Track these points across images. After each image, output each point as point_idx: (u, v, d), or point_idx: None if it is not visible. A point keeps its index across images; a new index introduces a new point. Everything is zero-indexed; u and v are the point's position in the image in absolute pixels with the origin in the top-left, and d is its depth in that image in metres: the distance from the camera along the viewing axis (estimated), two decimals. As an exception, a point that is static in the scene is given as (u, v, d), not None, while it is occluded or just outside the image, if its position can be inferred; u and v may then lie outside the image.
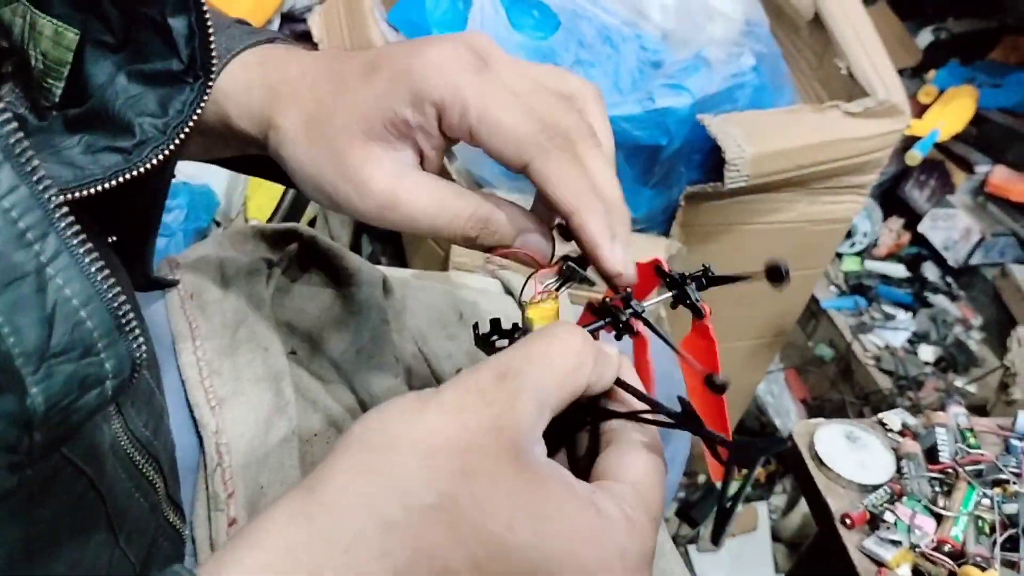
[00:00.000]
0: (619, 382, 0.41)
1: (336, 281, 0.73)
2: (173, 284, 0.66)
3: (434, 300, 0.77)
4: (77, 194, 0.41)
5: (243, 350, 0.66)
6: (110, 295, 0.32)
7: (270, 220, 1.48)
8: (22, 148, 0.29)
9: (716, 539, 0.37)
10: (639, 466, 0.39)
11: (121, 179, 0.42)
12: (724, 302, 1.41)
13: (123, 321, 0.33)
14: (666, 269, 0.47)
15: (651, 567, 0.37)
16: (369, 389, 0.66)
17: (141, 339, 0.34)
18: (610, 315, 0.46)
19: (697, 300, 0.46)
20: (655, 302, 0.48)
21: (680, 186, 1.26)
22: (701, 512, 1.69)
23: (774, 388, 1.82)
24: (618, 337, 0.47)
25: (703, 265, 0.47)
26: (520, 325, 0.45)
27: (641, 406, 0.41)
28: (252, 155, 0.52)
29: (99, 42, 0.44)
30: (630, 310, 0.46)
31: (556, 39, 1.35)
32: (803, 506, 1.66)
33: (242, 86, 0.48)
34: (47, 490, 0.38)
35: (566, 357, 0.38)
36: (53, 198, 0.30)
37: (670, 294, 0.47)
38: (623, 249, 0.44)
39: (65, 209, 0.31)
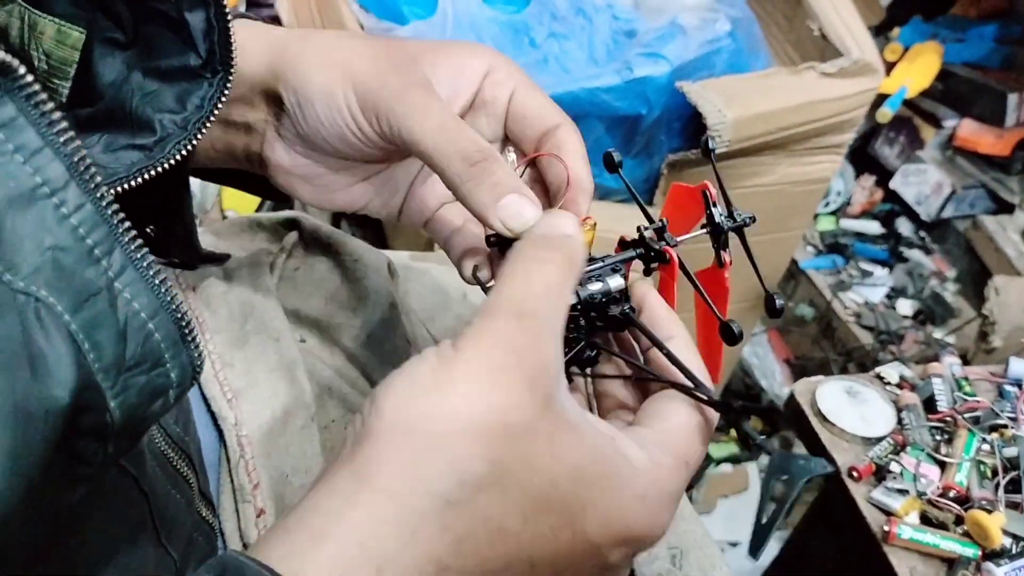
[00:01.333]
0: (669, 357, 0.42)
1: (340, 268, 0.73)
2: (225, 258, 0.65)
3: (437, 280, 0.77)
4: (99, 178, 0.40)
5: (253, 341, 0.66)
6: (173, 306, 0.33)
7: (258, 211, 1.47)
8: (86, 166, 0.30)
9: (754, 552, 0.38)
10: (675, 416, 0.40)
11: (145, 176, 0.41)
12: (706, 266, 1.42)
13: (186, 331, 0.33)
14: (712, 198, 0.46)
15: (676, 505, 0.38)
16: (383, 373, 0.66)
17: (200, 347, 0.35)
18: (643, 245, 0.45)
19: (726, 247, 0.46)
20: (689, 237, 0.47)
21: (662, 154, 1.26)
22: (694, 476, 1.71)
23: (758, 350, 1.84)
24: (647, 271, 0.46)
25: (743, 219, 0.46)
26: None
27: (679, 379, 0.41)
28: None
29: (107, 40, 0.43)
30: (663, 241, 0.45)
31: (529, 12, 1.35)
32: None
33: (248, 31, 0.47)
34: (101, 495, 0.38)
35: (555, 274, 0.38)
36: (116, 213, 0.31)
37: (703, 230, 0.46)
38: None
39: (128, 224, 0.31)
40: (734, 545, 1.66)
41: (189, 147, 0.42)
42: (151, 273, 0.32)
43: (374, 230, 1.58)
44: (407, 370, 0.35)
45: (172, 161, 0.42)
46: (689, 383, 0.40)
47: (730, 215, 0.46)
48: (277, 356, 0.65)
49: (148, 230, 0.53)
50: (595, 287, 0.43)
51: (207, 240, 0.75)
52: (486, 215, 0.42)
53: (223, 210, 1.60)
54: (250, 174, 0.54)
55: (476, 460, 0.33)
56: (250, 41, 0.47)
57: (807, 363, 1.80)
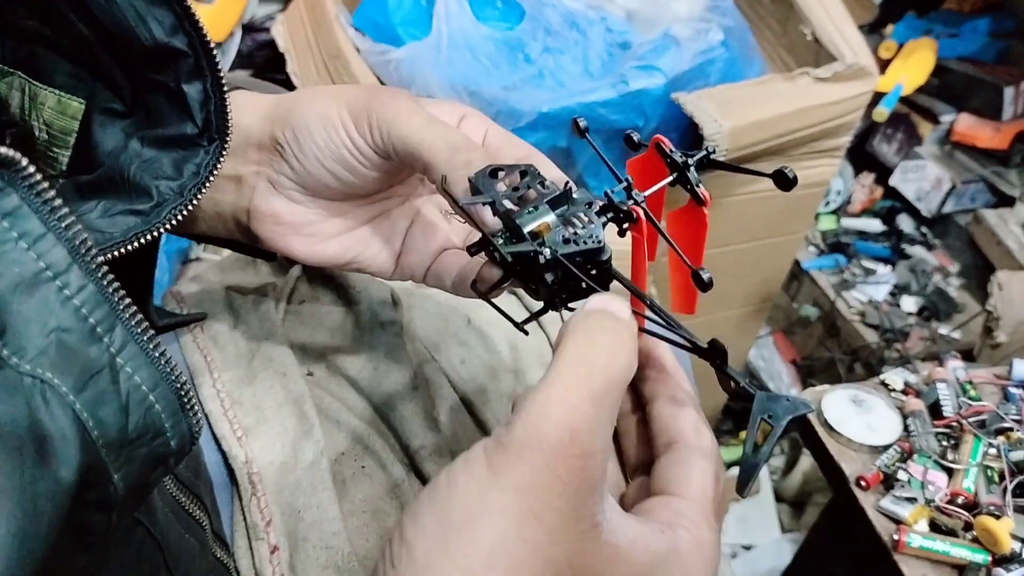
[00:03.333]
0: (647, 330, 0.41)
1: (344, 299, 0.74)
2: (199, 318, 0.66)
3: (441, 306, 0.77)
4: (100, 258, 0.41)
5: (261, 377, 0.66)
6: (173, 376, 0.33)
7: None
8: (87, 248, 0.31)
9: (741, 489, 0.37)
10: (701, 478, 0.39)
11: (141, 240, 0.42)
12: (712, 273, 1.43)
13: (185, 400, 0.34)
14: (666, 146, 0.44)
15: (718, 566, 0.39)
16: (390, 404, 0.67)
17: (199, 414, 0.35)
18: (611, 208, 0.42)
19: (698, 184, 0.43)
20: (656, 188, 0.45)
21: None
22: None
23: (764, 352, 1.85)
24: (620, 232, 0.44)
25: (705, 147, 0.44)
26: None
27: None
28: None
29: (107, 109, 0.44)
30: (631, 200, 0.43)
31: (522, 29, 1.36)
32: (803, 465, 1.69)
33: (249, 98, 0.49)
34: (112, 547, 0.38)
35: (623, 370, 0.34)
36: (117, 291, 0.31)
37: (671, 178, 0.44)
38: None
39: (128, 300, 0.32)
40: (748, 548, 1.66)
41: (185, 212, 0.43)
42: (151, 346, 0.33)
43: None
44: (435, 498, 0.33)
45: (168, 226, 0.43)
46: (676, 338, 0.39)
47: (686, 154, 0.44)
48: (285, 391, 0.66)
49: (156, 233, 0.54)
50: (572, 247, 0.40)
51: (212, 276, 0.76)
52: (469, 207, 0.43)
53: (226, 234, 1.61)
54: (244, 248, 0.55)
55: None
56: (251, 99, 0.49)
57: (813, 364, 1.81)
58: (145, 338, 0.33)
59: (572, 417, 0.31)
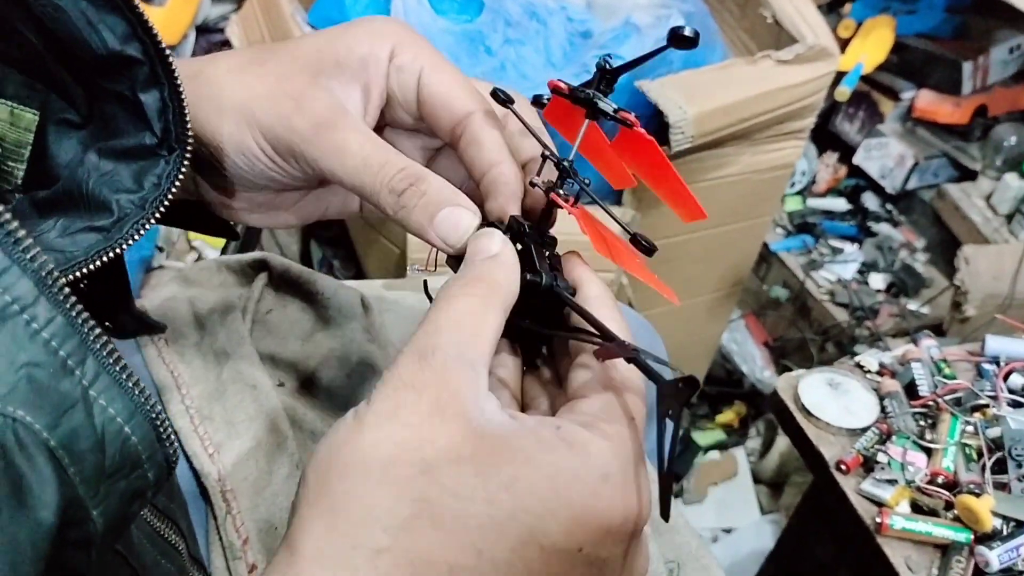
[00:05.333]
0: (585, 315, 0.40)
1: (312, 306, 0.72)
2: (162, 329, 0.64)
3: (412, 310, 0.76)
4: (67, 287, 0.39)
5: (231, 391, 0.65)
6: (148, 406, 0.33)
7: (224, 249, 1.45)
8: (54, 279, 0.30)
9: (665, 512, 0.35)
10: (604, 378, 0.38)
11: (104, 259, 0.40)
12: (682, 260, 1.43)
13: (161, 430, 0.33)
14: (564, 90, 0.42)
15: (642, 466, 0.37)
16: (366, 411, 0.66)
17: (175, 444, 0.35)
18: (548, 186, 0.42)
19: (616, 110, 0.41)
20: (579, 140, 0.43)
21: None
22: (683, 464, 1.72)
23: (736, 336, 1.85)
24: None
25: (598, 61, 0.42)
26: None
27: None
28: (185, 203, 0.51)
29: (62, 120, 0.42)
30: (562, 166, 0.42)
31: (482, 21, 1.34)
32: (779, 446, 1.70)
33: None
34: None
35: (473, 304, 0.37)
36: (86, 322, 0.31)
37: (586, 123, 0.42)
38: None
39: (99, 331, 0.31)
40: (728, 532, 1.67)
41: (147, 226, 0.41)
42: (124, 376, 0.32)
43: (345, 248, 1.57)
44: (327, 435, 0.35)
45: (131, 241, 0.41)
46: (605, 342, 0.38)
47: (586, 89, 0.42)
48: (256, 404, 0.64)
49: (81, 285, 0.52)
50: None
51: (175, 288, 0.74)
52: (425, 236, 0.42)
53: (189, 240, 1.58)
54: (202, 216, 0.53)
55: (394, 503, 0.32)
56: None
57: (785, 345, 1.81)
58: (117, 368, 0.32)
59: (420, 346, 0.35)
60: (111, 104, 0.41)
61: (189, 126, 0.41)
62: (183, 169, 0.42)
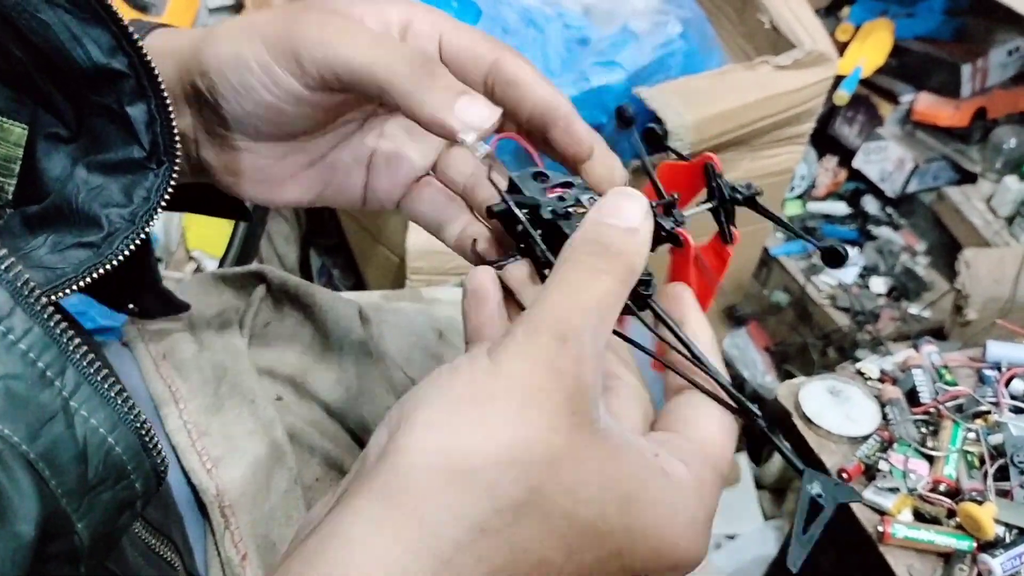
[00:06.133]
0: (699, 363, 0.39)
1: (310, 318, 0.72)
2: (186, 307, 0.62)
3: (410, 322, 0.76)
4: (53, 296, 0.39)
5: (229, 405, 0.64)
6: (132, 416, 0.33)
7: (223, 259, 1.44)
8: (29, 289, 0.30)
9: (793, 565, 0.36)
10: (709, 424, 0.38)
11: (94, 275, 0.40)
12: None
13: (147, 440, 0.33)
14: (718, 169, 0.43)
15: (712, 523, 0.37)
16: (364, 425, 0.65)
17: (163, 453, 0.34)
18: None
19: (732, 224, 0.42)
20: (695, 212, 0.43)
21: (625, 161, 1.25)
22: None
23: (738, 341, 1.85)
24: (652, 249, 0.41)
25: (749, 185, 0.43)
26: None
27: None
28: (192, 186, 0.50)
29: (51, 135, 0.42)
30: (671, 218, 0.41)
31: (479, 28, 1.34)
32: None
33: (158, 44, 0.44)
34: None
35: (612, 286, 0.35)
36: (65, 332, 0.31)
37: (708, 205, 0.43)
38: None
39: (78, 341, 0.31)
40: (731, 538, 1.66)
41: (138, 241, 0.41)
42: (106, 386, 0.32)
43: (344, 256, 1.57)
44: (439, 382, 0.34)
45: (121, 257, 0.41)
46: (725, 396, 0.38)
47: (734, 188, 0.43)
48: (254, 418, 0.64)
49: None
50: None
51: (172, 300, 0.74)
52: (444, 118, 0.38)
53: (188, 250, 1.58)
54: (207, 196, 0.52)
55: (514, 486, 0.31)
56: (165, 48, 0.45)
57: (787, 349, 1.81)
58: (99, 378, 0.32)
59: (563, 326, 0.33)
60: (99, 117, 0.41)
61: (177, 138, 0.41)
62: (172, 182, 0.42)
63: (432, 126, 0.39)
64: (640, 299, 0.39)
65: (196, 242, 1.57)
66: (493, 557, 0.31)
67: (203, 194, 0.51)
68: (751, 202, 0.43)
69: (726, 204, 0.43)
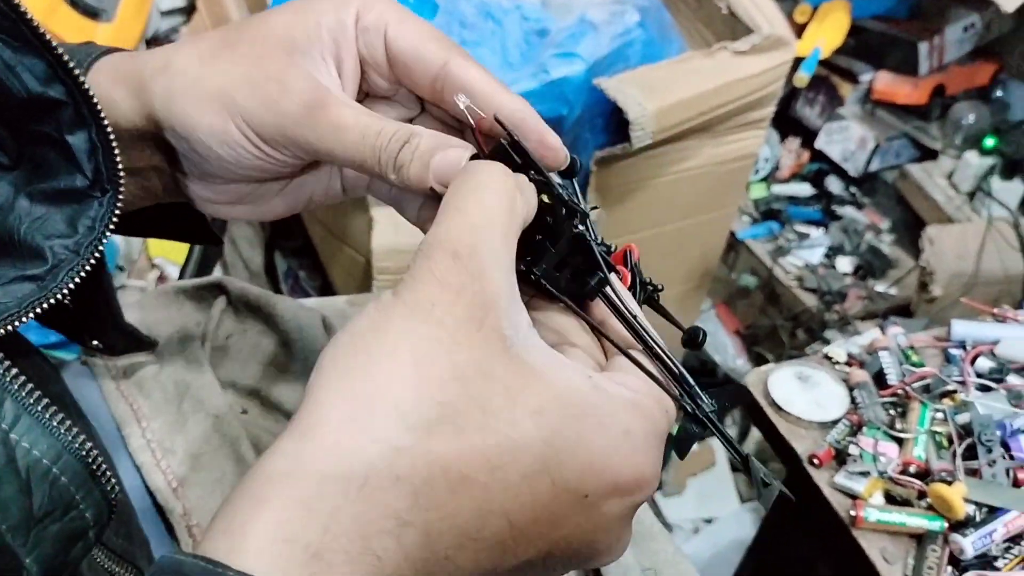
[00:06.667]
0: (644, 342, 0.39)
1: (273, 329, 0.71)
2: (153, 344, 0.62)
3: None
4: None
5: (192, 422, 0.63)
6: (76, 444, 0.32)
7: (185, 265, 1.42)
8: None
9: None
10: (648, 375, 0.37)
11: (38, 310, 0.39)
12: (650, 255, 1.42)
13: (94, 467, 0.32)
14: (635, 257, 0.44)
15: (661, 452, 0.36)
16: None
17: (113, 480, 0.34)
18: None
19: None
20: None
21: (588, 152, 1.25)
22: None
23: (708, 326, 1.85)
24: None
25: (661, 287, 0.44)
26: None
27: None
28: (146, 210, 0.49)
29: None
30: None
31: (436, 23, 1.33)
32: (756, 434, 1.71)
33: (108, 76, 0.43)
34: None
35: (501, 201, 0.35)
36: (1, 362, 0.30)
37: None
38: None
39: (16, 371, 0.30)
40: (709, 522, 1.67)
41: (83, 273, 0.40)
42: (47, 416, 0.31)
43: (309, 258, 1.55)
44: (348, 325, 0.34)
45: (66, 290, 0.40)
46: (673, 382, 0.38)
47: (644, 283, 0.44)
48: (219, 434, 0.63)
49: (67, 303, 0.50)
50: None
51: (131, 315, 0.72)
52: (427, 186, 0.40)
53: (150, 258, 1.55)
54: (176, 222, 0.51)
55: (422, 402, 0.31)
56: (118, 73, 0.44)
57: (757, 332, 1.82)
58: (39, 408, 0.31)
59: (454, 244, 0.33)
60: (40, 146, 0.40)
61: (120, 166, 0.40)
62: (116, 211, 0.40)
63: (419, 193, 0.42)
64: (587, 287, 0.40)
65: (158, 250, 1.54)
66: (411, 476, 0.30)
67: (174, 218, 0.50)
68: (650, 300, 0.44)
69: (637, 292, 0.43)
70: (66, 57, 0.38)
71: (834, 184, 1.96)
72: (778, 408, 0.86)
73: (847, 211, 1.91)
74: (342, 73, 0.44)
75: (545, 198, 0.39)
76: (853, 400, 0.87)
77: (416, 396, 0.31)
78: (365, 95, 0.47)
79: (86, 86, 0.38)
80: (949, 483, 0.77)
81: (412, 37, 0.43)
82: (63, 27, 1.33)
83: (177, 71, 0.42)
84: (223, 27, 0.45)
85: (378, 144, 0.41)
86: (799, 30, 1.81)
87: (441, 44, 0.43)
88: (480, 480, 0.31)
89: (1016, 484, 0.78)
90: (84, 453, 0.32)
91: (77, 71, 0.38)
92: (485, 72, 0.43)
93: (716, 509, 1.69)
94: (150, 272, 1.54)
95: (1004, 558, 0.74)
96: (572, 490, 0.33)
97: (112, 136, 0.39)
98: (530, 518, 0.32)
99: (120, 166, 0.40)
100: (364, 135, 0.41)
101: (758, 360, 1.77)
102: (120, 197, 0.40)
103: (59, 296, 0.39)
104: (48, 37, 0.37)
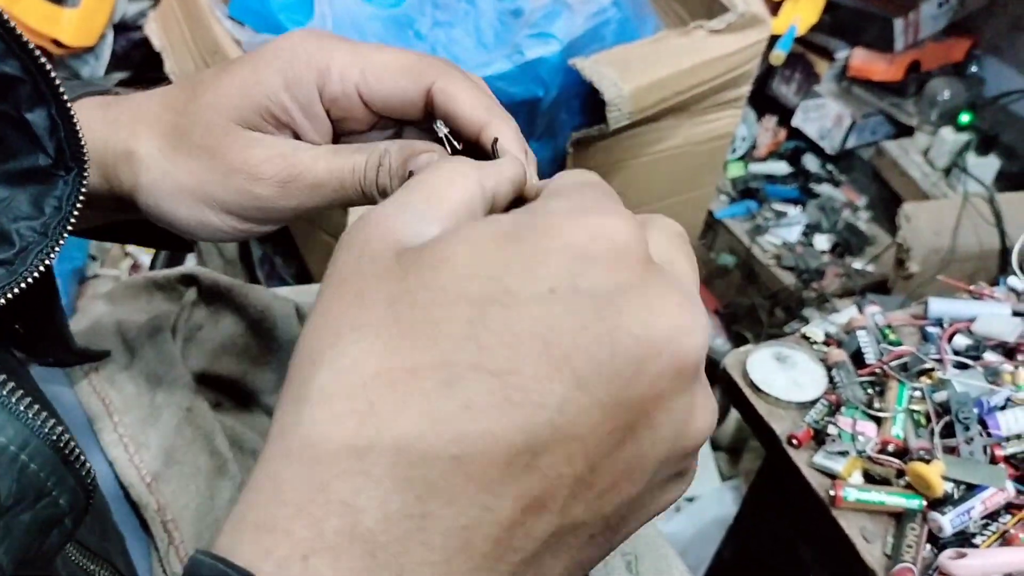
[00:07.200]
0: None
1: (247, 321, 0.70)
2: (104, 355, 0.61)
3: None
4: None
5: (166, 416, 0.62)
6: (46, 429, 0.31)
7: (155, 257, 1.40)
8: None
9: None
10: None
11: (9, 295, 0.38)
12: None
13: (67, 452, 0.32)
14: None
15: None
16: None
17: (88, 465, 0.33)
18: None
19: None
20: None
21: (565, 134, 1.24)
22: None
23: (687, 306, 1.85)
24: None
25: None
26: None
27: None
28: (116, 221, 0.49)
29: None
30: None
31: (409, 5, 1.31)
32: (736, 412, 1.71)
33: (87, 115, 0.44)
34: None
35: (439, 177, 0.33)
36: None
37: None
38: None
39: None
40: (690, 500, 1.68)
41: (52, 255, 0.39)
42: (14, 400, 0.30)
43: (284, 244, 1.53)
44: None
45: (36, 274, 0.39)
46: None
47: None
48: (192, 427, 0.62)
49: (16, 326, 0.49)
50: None
51: (100, 308, 0.71)
52: None
53: (123, 247, 1.54)
54: (144, 229, 0.51)
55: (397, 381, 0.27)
56: (101, 118, 0.45)
57: (736, 311, 1.82)
58: (5, 392, 0.30)
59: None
60: (0, 126, 0.38)
61: (83, 143, 0.39)
62: (83, 189, 0.39)
63: None
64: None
65: (131, 237, 1.53)
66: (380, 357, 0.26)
67: (137, 230, 0.51)
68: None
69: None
70: (19, 31, 0.36)
71: (811, 162, 1.96)
72: (757, 389, 0.86)
73: (824, 189, 1.91)
74: (308, 116, 0.44)
75: None
76: (831, 380, 0.86)
77: (379, 277, 0.28)
78: (339, 136, 0.47)
79: (43, 61, 0.37)
80: (927, 461, 0.77)
81: (385, 80, 0.42)
82: (27, 12, 1.31)
83: (142, 164, 0.43)
84: (171, 94, 0.45)
85: (356, 180, 0.42)
86: (774, 8, 1.80)
87: (414, 75, 0.42)
88: (456, 334, 0.26)
89: (993, 461, 0.78)
90: (55, 438, 0.31)
91: (32, 46, 0.37)
92: (470, 94, 0.41)
93: (697, 487, 1.69)
94: (123, 260, 1.52)
95: (982, 535, 0.74)
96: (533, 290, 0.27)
97: (73, 113, 0.38)
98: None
99: (84, 143, 0.39)
100: (342, 182, 0.42)
101: (737, 339, 1.77)
102: (86, 175, 0.39)
103: (29, 280, 0.38)
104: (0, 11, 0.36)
